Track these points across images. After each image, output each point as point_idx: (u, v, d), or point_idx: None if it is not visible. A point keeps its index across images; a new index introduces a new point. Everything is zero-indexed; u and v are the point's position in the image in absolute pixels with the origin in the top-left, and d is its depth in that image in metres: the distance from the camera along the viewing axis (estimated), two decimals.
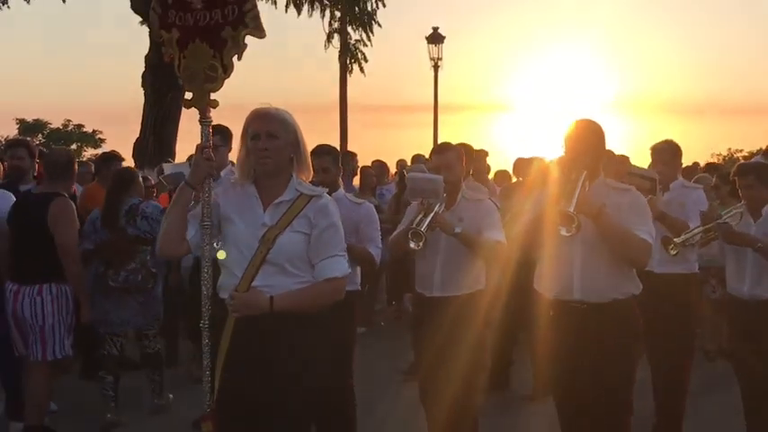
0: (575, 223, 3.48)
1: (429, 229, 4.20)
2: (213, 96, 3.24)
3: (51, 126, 39.61)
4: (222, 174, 5.01)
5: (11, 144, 6.78)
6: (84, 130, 39.60)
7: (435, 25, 21.24)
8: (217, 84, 3.21)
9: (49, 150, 6.85)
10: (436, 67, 21.28)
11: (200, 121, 3.28)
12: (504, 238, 4.40)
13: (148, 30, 11.19)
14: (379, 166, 10.77)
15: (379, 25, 21.99)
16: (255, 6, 3.13)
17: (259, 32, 3.17)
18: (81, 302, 5.18)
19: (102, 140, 38.73)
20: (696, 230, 4.92)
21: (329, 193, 4.34)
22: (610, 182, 3.94)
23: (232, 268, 3.17)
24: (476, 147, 8.53)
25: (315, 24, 25.54)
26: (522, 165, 8.82)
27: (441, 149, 4.74)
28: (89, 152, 38.80)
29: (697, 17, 57.82)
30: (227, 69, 3.20)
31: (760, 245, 4.63)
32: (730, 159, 35.95)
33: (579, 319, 3.77)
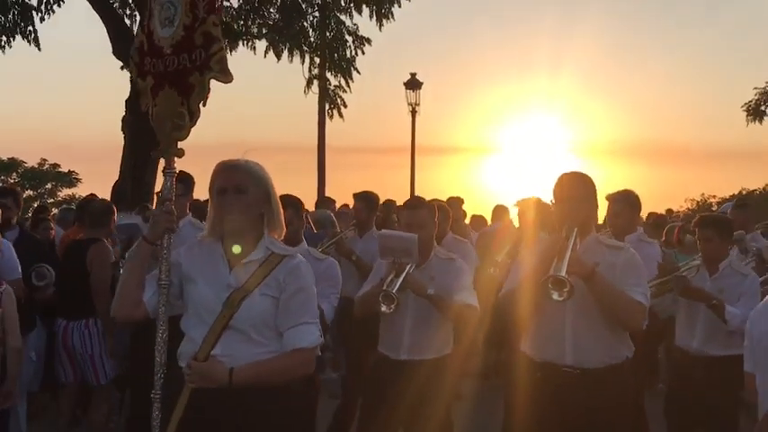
0: (566, 287, 3.29)
1: (400, 291, 4.01)
2: (180, 145, 3.09)
3: (26, 165, 39.29)
4: (181, 224, 4.82)
5: None
6: (60, 169, 39.31)
7: (413, 71, 21.60)
8: (183, 132, 3.05)
9: (88, 201, 7.24)
10: (413, 112, 21.60)
11: (164, 172, 3.12)
12: (476, 302, 4.22)
13: (130, 75, 11.26)
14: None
15: (358, 72, 22.24)
16: (222, 50, 2.98)
17: (225, 77, 2.97)
18: (107, 337, 5.64)
19: (77, 180, 38.41)
20: (653, 282, 4.78)
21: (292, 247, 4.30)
22: (603, 239, 3.80)
23: (192, 334, 2.90)
24: (453, 190, 8.72)
25: (295, 69, 25.74)
26: (499, 211, 8.95)
27: (413, 205, 4.53)
28: (64, 192, 38.53)
29: (678, 60, 59.07)
30: (194, 116, 3.05)
31: (715, 302, 4.52)
32: (704, 205, 36.39)
33: (571, 384, 3.56)
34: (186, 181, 5.32)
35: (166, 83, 3.09)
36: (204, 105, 3.02)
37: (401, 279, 4.02)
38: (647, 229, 6.33)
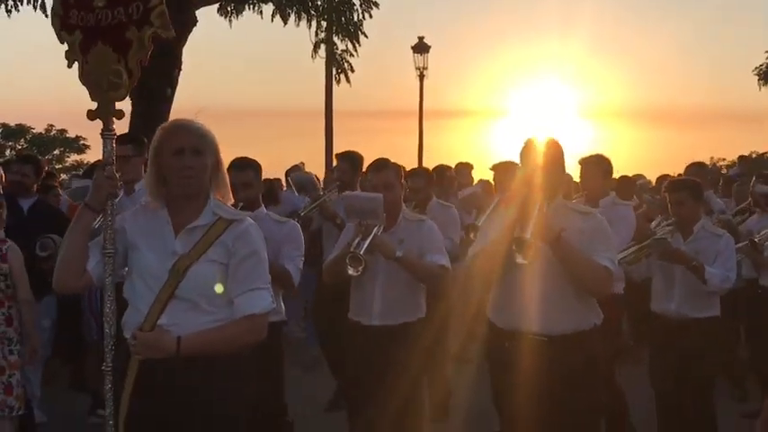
0: (531, 250, 3.27)
1: (368, 253, 3.89)
2: (118, 106, 2.90)
3: (34, 131, 39.30)
4: (137, 187, 4.77)
5: (21, 159, 6.93)
6: (68, 135, 39.32)
7: (421, 35, 21.43)
8: (121, 91, 2.87)
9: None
10: (422, 77, 21.48)
11: (103, 135, 2.90)
12: (447, 262, 4.13)
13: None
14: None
15: (366, 35, 22.03)
16: (162, 3, 2.79)
17: (166, 31, 2.81)
18: None
19: (86, 146, 38.41)
20: (631, 249, 4.74)
21: (251, 210, 4.02)
22: (571, 204, 3.73)
23: (137, 303, 2.78)
24: (461, 155, 8.67)
25: (302, 34, 25.60)
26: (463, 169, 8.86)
27: (378, 166, 4.38)
28: (72, 158, 38.58)
29: (683, 24, 58.36)
30: (133, 74, 2.87)
31: (695, 263, 4.49)
32: (713, 168, 36.17)
33: (539, 352, 3.48)
34: (137, 141, 5.12)
35: (99, 38, 2.87)
36: (144, 63, 2.85)
37: (368, 241, 3.91)
38: (618, 192, 6.28)
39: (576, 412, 3.50)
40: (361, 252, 3.85)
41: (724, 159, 38.14)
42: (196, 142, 2.79)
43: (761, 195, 5.77)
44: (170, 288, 2.72)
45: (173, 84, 11.13)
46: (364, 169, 5.96)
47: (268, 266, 2.89)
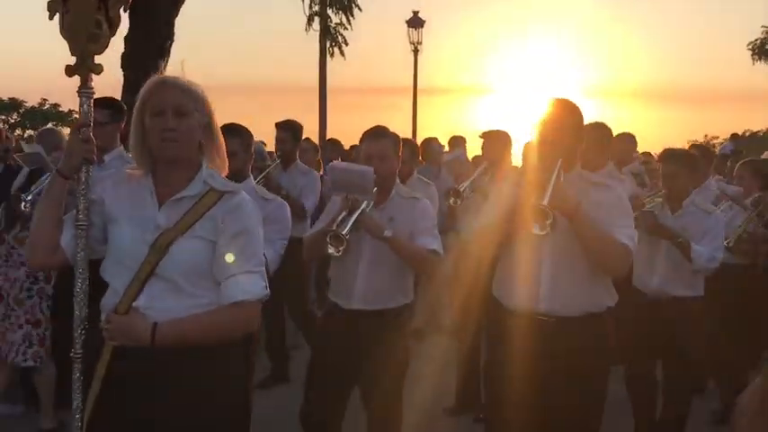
0: (549, 219, 3.00)
1: (354, 231, 3.56)
2: (97, 60, 2.64)
3: (27, 105, 39.10)
4: (107, 159, 4.49)
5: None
6: (61, 109, 39.15)
7: (415, 9, 21.34)
8: (100, 44, 2.63)
9: None
10: (416, 51, 21.41)
11: (80, 92, 2.64)
12: (440, 247, 3.77)
13: (128, 11, 11.11)
14: (333, 144, 10.85)
15: (360, 8, 21.99)
16: None
17: None
18: None
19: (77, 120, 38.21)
20: None
21: (236, 182, 3.87)
22: (588, 175, 3.45)
23: (114, 283, 2.47)
24: (456, 130, 8.59)
25: (296, 7, 25.45)
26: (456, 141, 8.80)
27: (375, 134, 3.92)
28: (65, 131, 38.36)
29: (677, 5, 58.12)
30: (113, 25, 2.64)
31: (681, 240, 4.32)
32: (707, 146, 36.23)
33: (545, 334, 3.23)
34: (115, 107, 4.80)
35: None
36: (126, 11, 2.67)
37: (354, 218, 3.55)
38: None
39: (577, 404, 3.26)
40: (345, 230, 3.50)
41: (717, 137, 38.21)
42: (180, 101, 2.47)
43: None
44: (149, 266, 2.40)
45: (164, 55, 11.05)
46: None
47: (262, 247, 2.58)
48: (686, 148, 15.51)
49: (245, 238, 2.48)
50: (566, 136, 3.26)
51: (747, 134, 34.16)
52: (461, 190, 5.43)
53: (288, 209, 4.01)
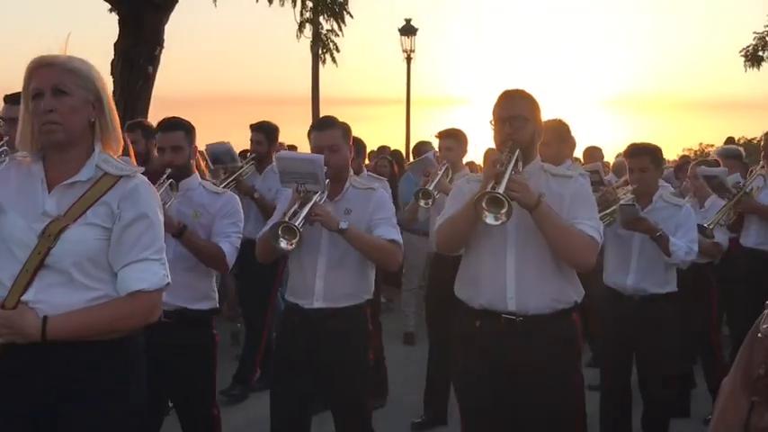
0: (504, 208, 2.88)
1: (308, 224, 3.39)
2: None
3: None
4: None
5: None
6: None
7: (408, 17, 21.30)
8: None
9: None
10: (409, 60, 21.34)
11: None
12: (399, 237, 3.64)
13: (118, 17, 11.04)
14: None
15: (351, 15, 21.94)
16: None
17: None
18: None
19: None
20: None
21: (181, 179, 3.78)
22: (548, 167, 3.32)
23: (1, 275, 2.30)
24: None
25: (287, 17, 25.48)
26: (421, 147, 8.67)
27: (322, 125, 3.75)
28: None
29: (669, 14, 58.37)
30: None
31: (660, 233, 4.22)
32: (701, 154, 36.40)
33: (513, 333, 3.13)
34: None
35: None
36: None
37: (306, 210, 3.37)
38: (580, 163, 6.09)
39: (551, 404, 3.17)
40: (298, 222, 3.29)
41: (712, 146, 38.30)
42: (58, 79, 2.30)
43: (705, 177, 5.60)
44: (39, 256, 2.24)
45: (154, 62, 11.01)
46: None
47: (163, 234, 2.43)
48: (681, 155, 15.47)
49: (143, 224, 2.34)
50: (523, 128, 3.17)
51: (742, 141, 34.25)
52: (430, 189, 5.34)
53: (238, 201, 3.91)
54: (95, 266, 2.31)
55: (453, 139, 5.60)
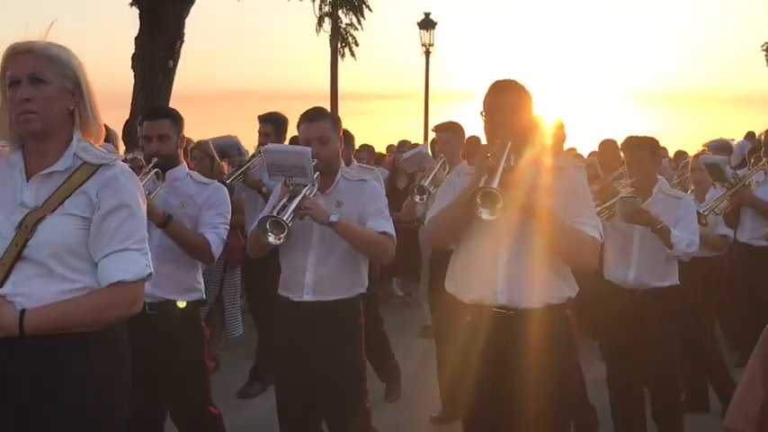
0: (499, 204, 2.78)
1: (297, 218, 3.34)
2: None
3: None
4: None
5: None
6: None
7: (427, 11, 21.28)
8: None
9: None
10: (428, 53, 21.31)
11: None
12: (391, 229, 3.56)
13: (138, 11, 11.10)
14: (367, 150, 10.77)
15: (370, 9, 22.00)
16: None
17: None
18: None
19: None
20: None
21: (168, 168, 3.73)
22: (543, 160, 3.21)
23: None
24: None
25: (306, 11, 25.52)
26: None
27: (312, 117, 3.65)
28: None
29: (690, 8, 57.83)
30: None
31: (661, 225, 4.14)
32: None
33: (503, 329, 3.04)
34: None
35: None
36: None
37: (295, 204, 3.32)
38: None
39: (541, 399, 3.04)
40: (287, 216, 3.25)
41: (733, 140, 37.92)
42: (35, 67, 2.24)
43: (706, 166, 5.55)
44: (16, 248, 2.19)
45: (174, 56, 11.08)
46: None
47: (145, 223, 2.37)
48: (701, 151, 15.36)
49: (123, 213, 2.28)
50: (515, 119, 3.07)
51: (762, 135, 33.88)
52: (425, 185, 5.27)
53: (226, 192, 3.84)
54: (75, 257, 2.25)
55: (450, 133, 5.52)
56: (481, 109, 3.15)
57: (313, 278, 3.51)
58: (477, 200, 2.82)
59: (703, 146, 6.79)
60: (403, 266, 8.16)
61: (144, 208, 2.37)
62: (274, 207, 3.39)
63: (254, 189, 5.63)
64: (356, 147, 10.57)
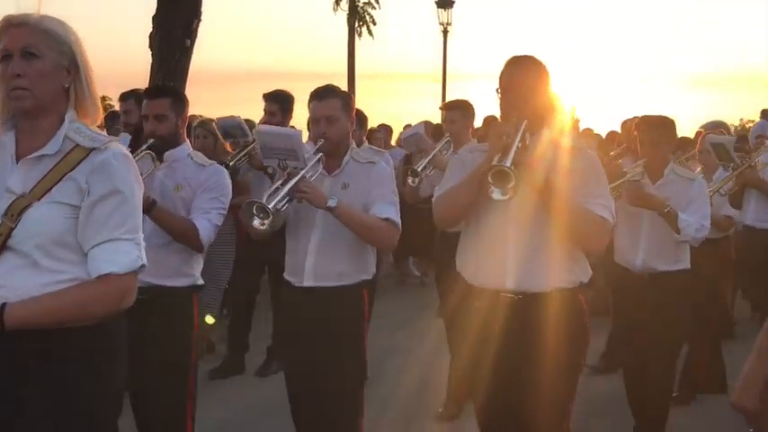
0: (511, 183, 2.69)
1: (295, 201, 3.26)
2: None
3: None
4: None
5: None
6: None
7: None
8: None
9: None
10: (445, 33, 21.20)
11: None
12: (396, 216, 3.44)
13: None
14: (385, 129, 10.77)
15: None
16: None
17: None
18: None
19: (110, 106, 38.73)
20: None
21: (166, 149, 3.56)
22: (558, 138, 3.12)
23: None
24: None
25: None
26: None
27: (321, 94, 3.51)
28: None
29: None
30: None
31: (668, 209, 4.06)
32: (742, 129, 35.73)
33: (512, 314, 2.96)
34: None
35: None
36: None
37: (288, 187, 3.19)
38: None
39: (549, 388, 2.98)
40: (277, 200, 3.13)
41: (753, 121, 37.52)
42: (28, 41, 2.12)
43: (712, 145, 5.44)
44: (1, 237, 2.07)
45: (191, 35, 11.07)
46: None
47: (140, 211, 2.23)
48: (698, 132, 15.18)
49: (114, 200, 2.13)
50: (530, 96, 2.98)
51: None
52: (419, 169, 5.12)
53: (226, 175, 3.66)
54: (63, 248, 2.11)
55: (459, 111, 5.38)
56: (497, 86, 3.06)
57: (313, 262, 3.40)
58: (489, 178, 2.73)
59: (701, 128, 6.71)
60: (419, 246, 8.17)
61: (140, 195, 2.23)
62: (266, 190, 3.28)
63: (260, 170, 5.56)
64: (375, 126, 10.64)
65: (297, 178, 3.23)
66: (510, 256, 2.98)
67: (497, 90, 3.05)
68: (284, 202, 3.19)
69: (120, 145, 2.21)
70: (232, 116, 5.99)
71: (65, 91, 2.19)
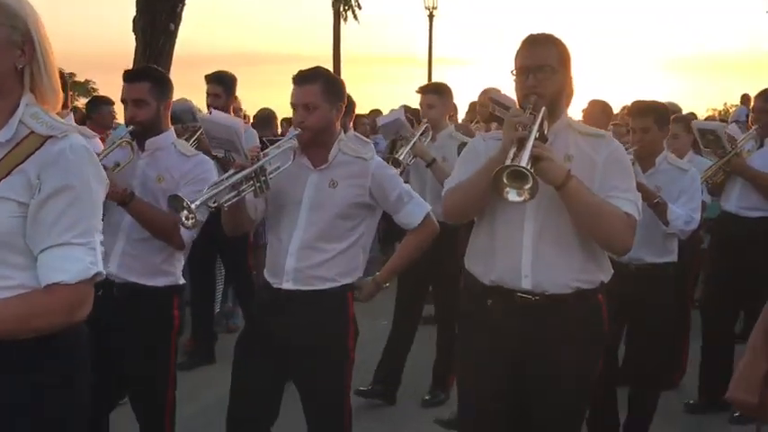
0: (528, 184, 2.38)
1: (259, 194, 2.94)
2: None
3: None
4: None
5: None
6: (76, 79, 39.27)
7: None
8: None
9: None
10: (431, 17, 21.21)
11: None
12: (429, 210, 3.20)
13: None
14: (374, 115, 10.77)
15: None
16: None
17: None
18: None
19: (94, 89, 38.47)
20: None
21: (148, 136, 3.28)
22: (578, 125, 2.87)
23: None
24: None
25: None
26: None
27: (300, 79, 3.08)
28: (81, 101, 38.55)
29: None
30: None
31: (658, 200, 3.89)
32: (726, 114, 35.91)
33: (527, 314, 2.71)
34: None
35: None
36: None
37: (231, 182, 2.88)
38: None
39: (564, 397, 2.79)
40: (214, 194, 2.84)
41: (737, 105, 37.72)
42: None
43: (699, 131, 5.29)
44: None
45: (176, 19, 11.06)
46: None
47: (96, 210, 1.91)
48: (706, 117, 15.28)
49: (66, 197, 1.82)
50: (550, 79, 2.67)
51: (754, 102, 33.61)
52: (400, 158, 4.80)
53: (211, 166, 3.38)
54: (9, 251, 1.82)
55: (435, 95, 5.07)
56: (512, 67, 2.75)
57: (294, 264, 3.05)
58: (504, 179, 2.41)
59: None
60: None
61: (99, 191, 1.91)
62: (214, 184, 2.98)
63: (208, 156, 5.35)
64: (365, 113, 10.60)
65: (244, 173, 2.89)
66: (525, 254, 2.71)
67: (512, 72, 2.74)
68: (230, 195, 2.88)
69: (80, 136, 1.91)
70: (183, 99, 5.53)
71: (18, 72, 1.89)
